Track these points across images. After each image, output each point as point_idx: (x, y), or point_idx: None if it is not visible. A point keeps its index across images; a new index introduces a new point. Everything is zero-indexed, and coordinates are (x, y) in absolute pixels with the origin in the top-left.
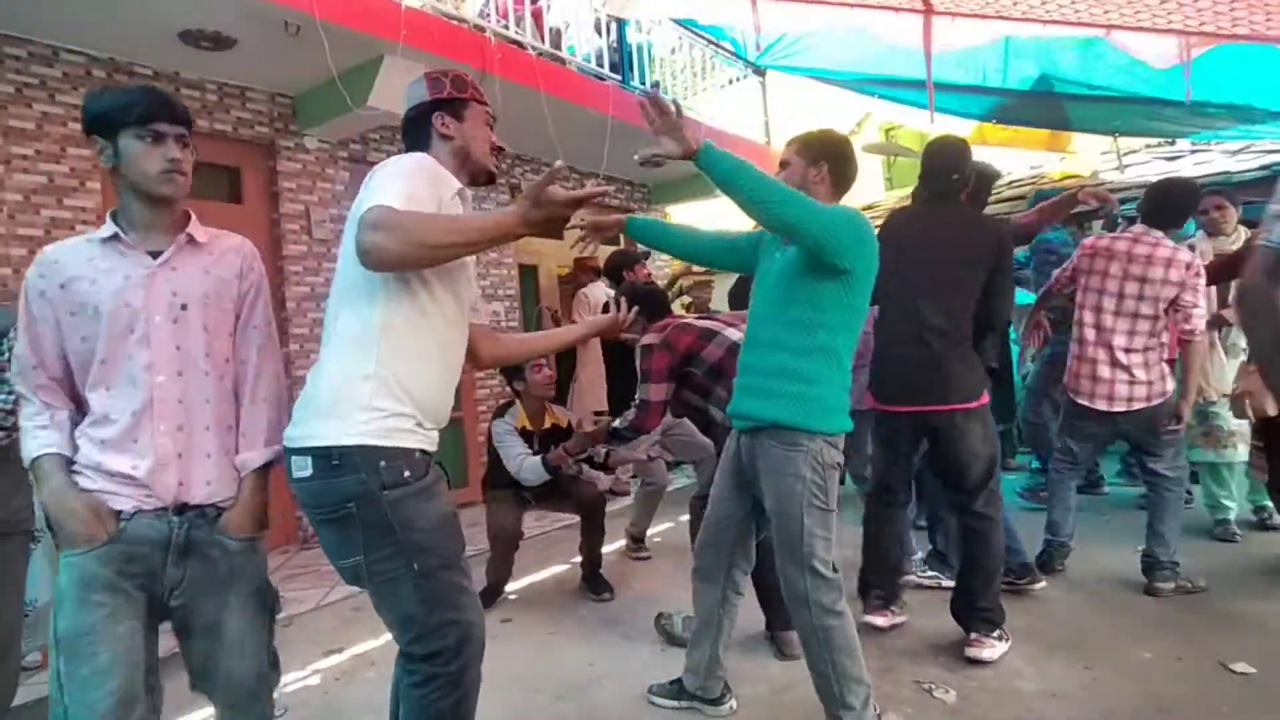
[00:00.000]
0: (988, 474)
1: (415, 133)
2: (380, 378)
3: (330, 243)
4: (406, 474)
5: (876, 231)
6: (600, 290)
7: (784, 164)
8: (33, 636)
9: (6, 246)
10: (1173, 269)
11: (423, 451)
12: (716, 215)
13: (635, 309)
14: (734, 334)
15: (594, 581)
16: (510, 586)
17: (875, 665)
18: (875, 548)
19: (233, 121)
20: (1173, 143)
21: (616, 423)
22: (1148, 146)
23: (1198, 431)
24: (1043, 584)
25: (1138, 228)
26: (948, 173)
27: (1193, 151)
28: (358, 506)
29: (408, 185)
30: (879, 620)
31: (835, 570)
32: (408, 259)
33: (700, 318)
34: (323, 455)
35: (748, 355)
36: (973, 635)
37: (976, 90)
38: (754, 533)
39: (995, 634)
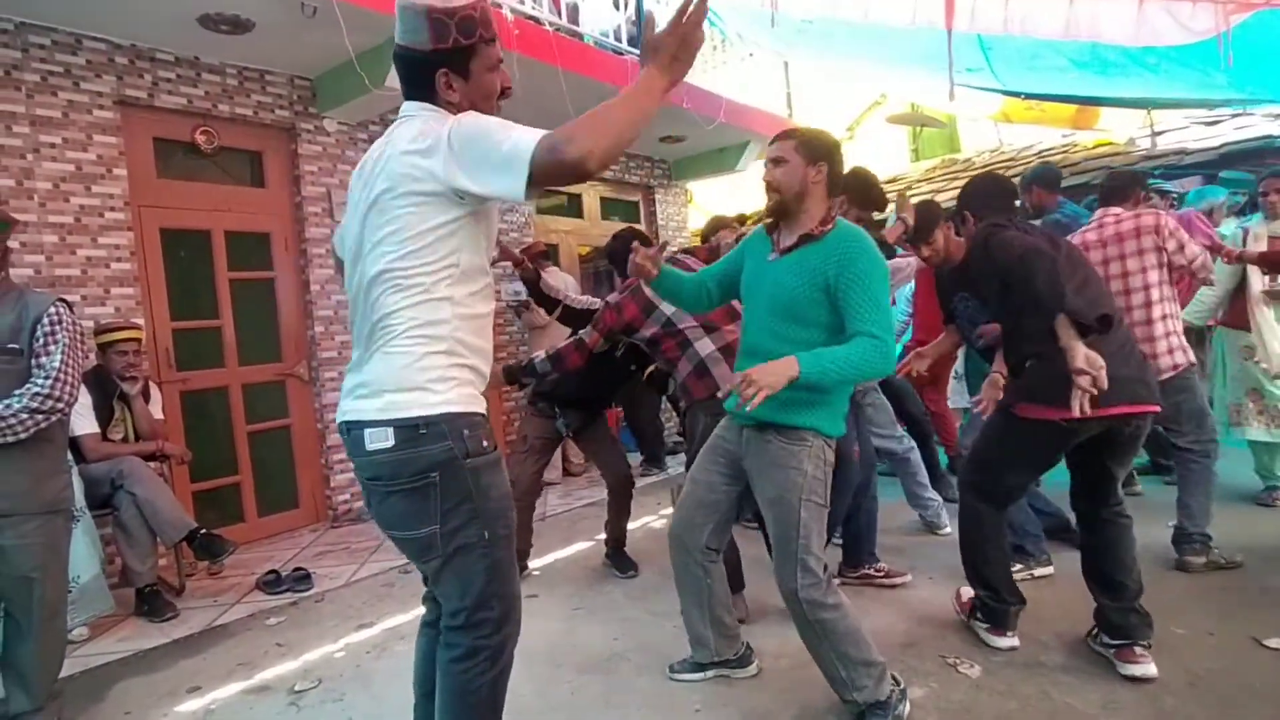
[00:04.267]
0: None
1: (414, 78)
2: (451, 349)
3: None
4: (485, 443)
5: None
6: (558, 275)
7: (778, 160)
8: (77, 612)
9: (38, 234)
10: (1143, 236)
11: (487, 419)
12: (734, 188)
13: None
14: (667, 309)
15: (618, 558)
16: (536, 563)
17: (899, 640)
18: (981, 555)
19: (253, 105)
20: (1212, 109)
21: (540, 354)
22: (1186, 116)
23: (1252, 410)
24: (1050, 570)
25: (1098, 212)
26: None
27: (1233, 116)
28: (440, 474)
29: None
30: (1001, 641)
31: (826, 567)
32: (614, 152)
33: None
34: (408, 426)
35: (746, 361)
36: (1137, 649)
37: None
38: (734, 518)
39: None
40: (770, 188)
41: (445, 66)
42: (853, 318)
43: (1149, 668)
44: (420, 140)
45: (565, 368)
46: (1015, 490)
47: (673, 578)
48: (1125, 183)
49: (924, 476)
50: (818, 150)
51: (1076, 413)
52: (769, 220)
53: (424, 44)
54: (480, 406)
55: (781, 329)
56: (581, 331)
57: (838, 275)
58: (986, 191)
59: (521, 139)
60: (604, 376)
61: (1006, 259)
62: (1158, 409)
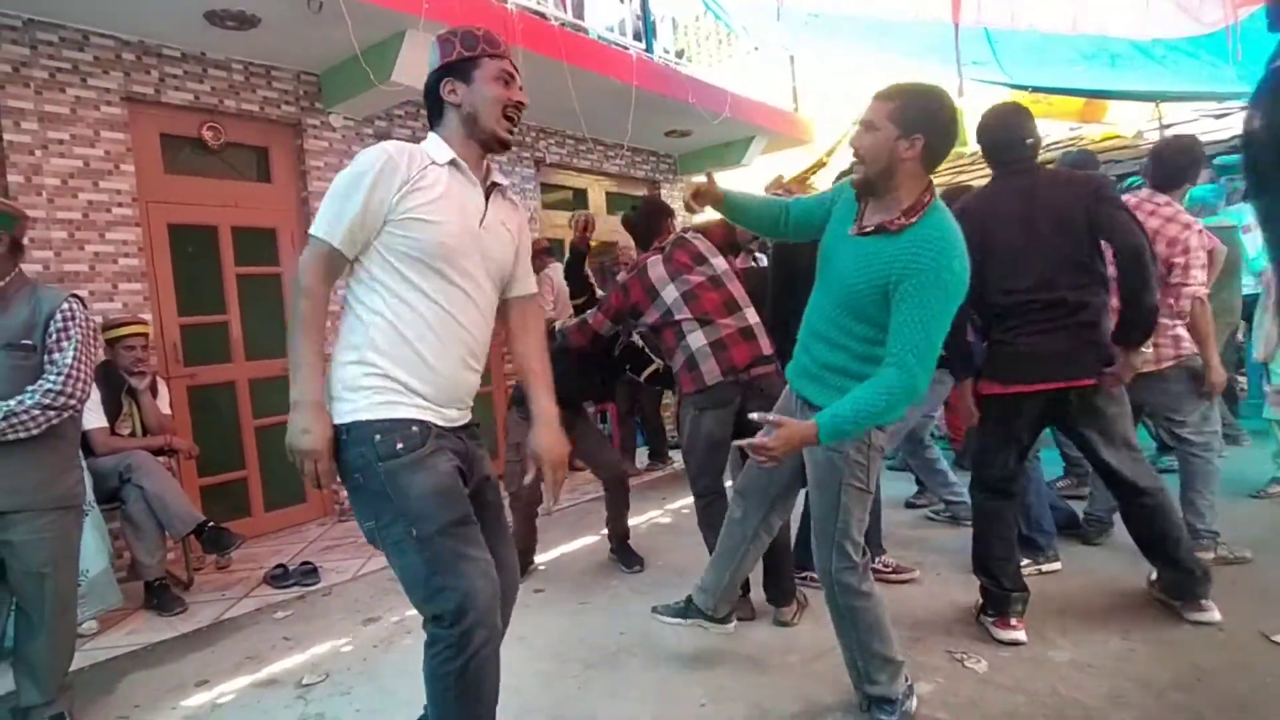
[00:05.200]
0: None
1: (432, 104)
2: (367, 361)
3: None
4: (399, 446)
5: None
6: (560, 271)
7: (868, 125)
8: (86, 605)
9: (47, 230)
10: (1159, 240)
11: (422, 423)
12: (741, 183)
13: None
14: (669, 295)
15: (624, 553)
16: (542, 557)
17: (907, 635)
18: (986, 547)
19: (259, 101)
20: (1220, 101)
21: (558, 324)
22: (1194, 109)
23: (1270, 389)
24: (1058, 565)
25: (1143, 192)
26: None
27: (1242, 109)
28: (363, 477)
29: (330, 206)
30: (1006, 634)
31: (865, 553)
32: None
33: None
34: (339, 432)
35: (806, 336)
36: (1201, 599)
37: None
38: (798, 487)
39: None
40: (857, 156)
41: (450, 75)
42: (893, 335)
43: (1213, 614)
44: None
45: (566, 347)
46: (1007, 473)
47: (679, 572)
48: (1175, 176)
49: (944, 464)
50: (918, 120)
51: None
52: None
53: (435, 64)
54: (404, 414)
55: (843, 320)
56: (586, 312)
57: (899, 281)
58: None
59: (314, 224)
60: (590, 375)
61: None
62: (1089, 383)
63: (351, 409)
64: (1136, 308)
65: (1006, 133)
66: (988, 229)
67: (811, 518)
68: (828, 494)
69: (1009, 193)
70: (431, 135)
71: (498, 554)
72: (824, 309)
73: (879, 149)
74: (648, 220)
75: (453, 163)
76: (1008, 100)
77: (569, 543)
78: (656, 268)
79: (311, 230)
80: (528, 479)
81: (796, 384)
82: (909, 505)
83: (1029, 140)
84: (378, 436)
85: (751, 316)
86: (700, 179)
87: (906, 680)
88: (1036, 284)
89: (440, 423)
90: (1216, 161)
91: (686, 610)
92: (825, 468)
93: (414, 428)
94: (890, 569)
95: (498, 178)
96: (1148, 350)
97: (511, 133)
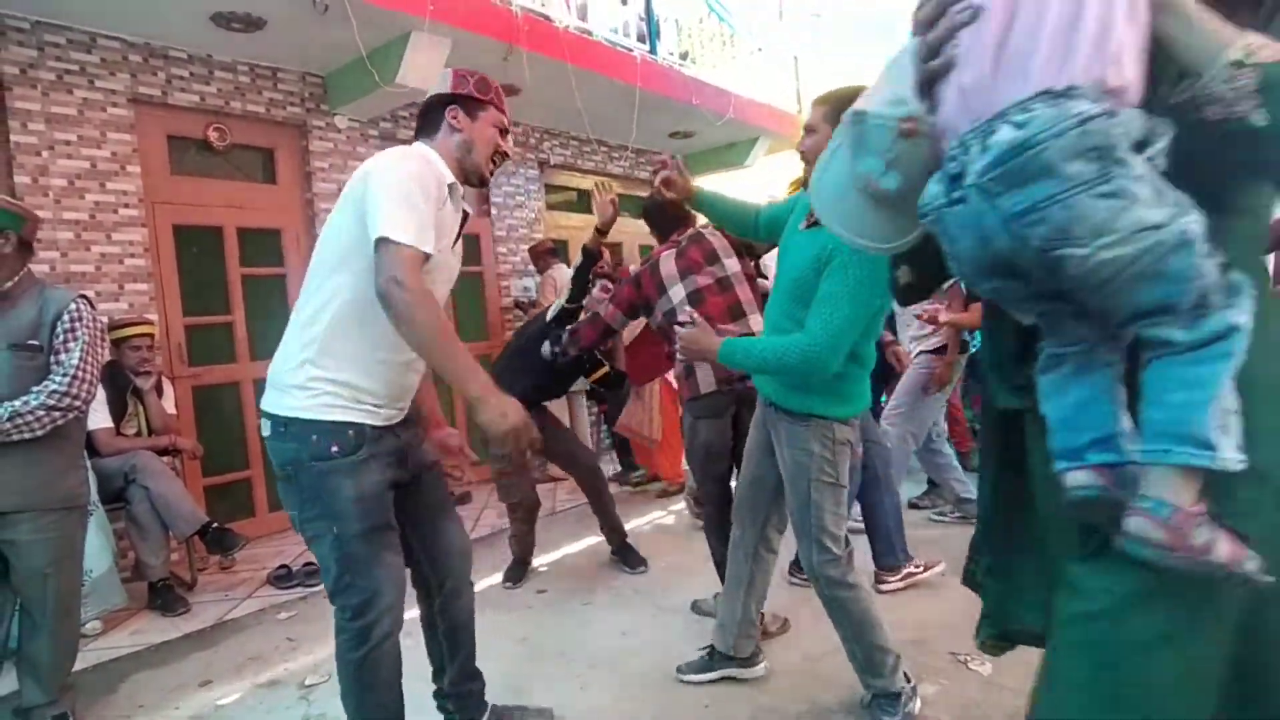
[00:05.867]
0: None
1: (428, 118)
2: (318, 363)
3: None
4: (334, 449)
5: None
6: (564, 272)
7: (809, 129)
8: (90, 606)
9: (54, 231)
10: None
11: (360, 428)
12: (746, 186)
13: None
14: (676, 294)
15: (625, 554)
16: (545, 558)
17: (910, 636)
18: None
19: (265, 103)
20: None
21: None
22: None
23: None
24: None
25: None
26: None
27: None
28: (295, 471)
29: (413, 214)
30: None
31: (847, 544)
32: (406, 336)
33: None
34: (275, 422)
35: (766, 333)
36: None
37: None
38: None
39: None
40: (802, 158)
41: (457, 104)
42: (811, 307)
43: None
44: (382, 163)
45: (580, 345)
46: None
47: (682, 572)
48: None
49: (956, 464)
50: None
51: None
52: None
53: (444, 89)
54: (348, 417)
55: (793, 309)
56: (598, 306)
57: (829, 260)
58: None
59: (381, 222)
60: (553, 375)
61: None
62: None
63: (294, 405)
64: None
65: None
66: None
67: (790, 519)
68: (799, 492)
69: None
70: (430, 150)
71: (441, 527)
72: (779, 302)
73: (818, 149)
74: (667, 211)
75: (452, 185)
76: None
77: (572, 543)
78: (668, 263)
79: (399, 238)
80: (499, 452)
81: (758, 382)
82: (912, 506)
83: None
84: (315, 437)
85: (756, 324)
86: (665, 159)
87: (907, 680)
88: None
89: (378, 423)
90: None
91: (711, 662)
92: (794, 467)
93: (350, 431)
94: (921, 568)
95: (468, 207)
96: None
97: (492, 174)
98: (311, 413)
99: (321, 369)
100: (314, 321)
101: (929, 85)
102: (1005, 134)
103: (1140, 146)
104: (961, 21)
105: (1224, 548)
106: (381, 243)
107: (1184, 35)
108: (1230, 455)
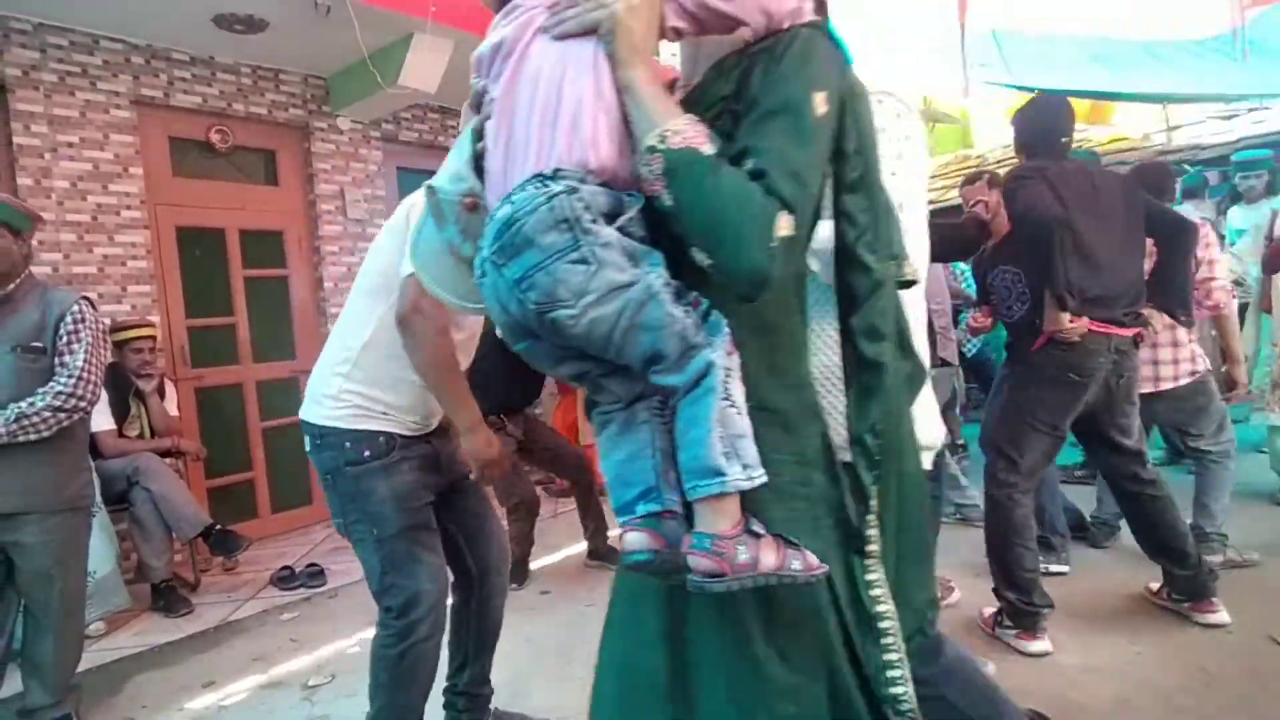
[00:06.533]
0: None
1: None
2: (352, 377)
3: (365, 222)
4: (366, 453)
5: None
6: None
7: None
8: (93, 607)
9: (56, 232)
10: None
11: (390, 435)
12: None
13: None
14: None
15: (609, 556)
16: (549, 559)
17: None
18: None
19: (267, 104)
20: (1228, 104)
21: None
22: (1201, 110)
23: (1273, 399)
24: (1066, 569)
25: None
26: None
27: (1250, 110)
28: (334, 478)
29: None
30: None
31: None
32: (414, 361)
33: None
34: (313, 433)
35: None
36: (1210, 598)
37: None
38: None
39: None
40: None
41: None
42: None
43: (1223, 615)
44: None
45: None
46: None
47: None
48: (1158, 177)
49: (955, 467)
50: None
51: None
52: None
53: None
54: (376, 426)
55: None
56: None
57: None
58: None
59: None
60: (513, 380)
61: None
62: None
63: (326, 414)
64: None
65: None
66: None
67: None
68: None
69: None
70: None
71: (484, 527)
72: None
73: None
74: None
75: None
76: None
77: (575, 544)
78: None
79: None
80: (473, 476)
81: None
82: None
83: (1064, 139)
84: (348, 444)
85: None
86: None
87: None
88: None
89: (407, 433)
90: (1235, 159)
91: None
92: None
93: (381, 438)
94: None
95: None
96: (1166, 367)
97: None
98: (343, 422)
99: (352, 382)
100: (351, 340)
101: (479, 163)
102: (503, 211)
103: (611, 217)
104: (486, 115)
105: (769, 558)
106: (412, 276)
107: (634, 115)
108: (736, 475)
